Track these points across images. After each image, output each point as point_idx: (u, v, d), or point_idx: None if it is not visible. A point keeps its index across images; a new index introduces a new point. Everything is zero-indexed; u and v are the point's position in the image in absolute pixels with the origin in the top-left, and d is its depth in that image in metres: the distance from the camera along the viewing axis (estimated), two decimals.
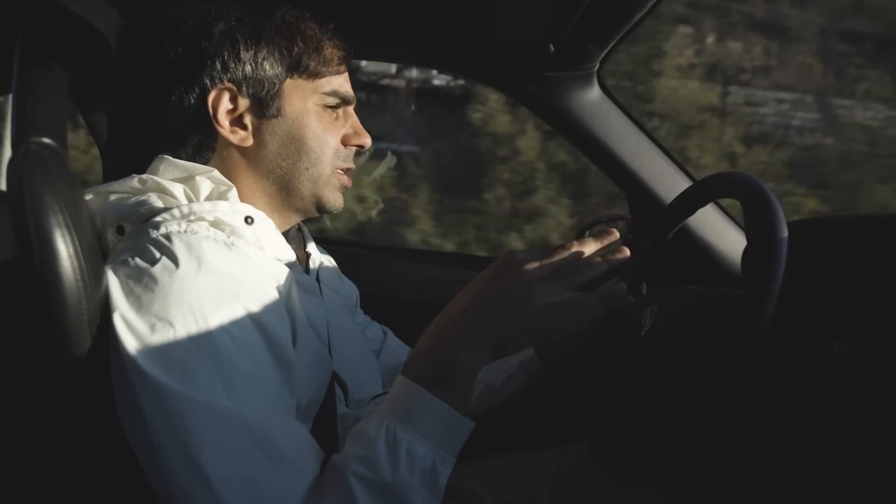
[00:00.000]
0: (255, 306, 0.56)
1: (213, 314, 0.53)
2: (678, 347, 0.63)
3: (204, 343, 0.52)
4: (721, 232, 1.07)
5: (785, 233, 0.54)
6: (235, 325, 0.54)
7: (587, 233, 1.31)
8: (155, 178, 0.63)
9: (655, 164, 1.06)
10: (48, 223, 0.50)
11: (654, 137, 1.06)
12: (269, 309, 0.58)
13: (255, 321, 0.55)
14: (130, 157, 0.69)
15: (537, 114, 1.06)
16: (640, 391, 0.67)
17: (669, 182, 1.06)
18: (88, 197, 0.63)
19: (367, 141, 0.73)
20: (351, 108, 0.73)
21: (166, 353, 0.51)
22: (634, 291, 0.90)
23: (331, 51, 0.68)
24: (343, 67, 0.70)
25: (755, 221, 0.57)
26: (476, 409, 0.90)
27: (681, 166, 1.08)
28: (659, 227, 0.85)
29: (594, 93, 1.02)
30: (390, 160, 2.26)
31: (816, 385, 0.55)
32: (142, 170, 0.66)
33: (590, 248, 0.59)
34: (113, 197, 0.63)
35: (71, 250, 0.51)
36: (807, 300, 0.63)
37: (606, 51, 0.94)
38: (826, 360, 0.53)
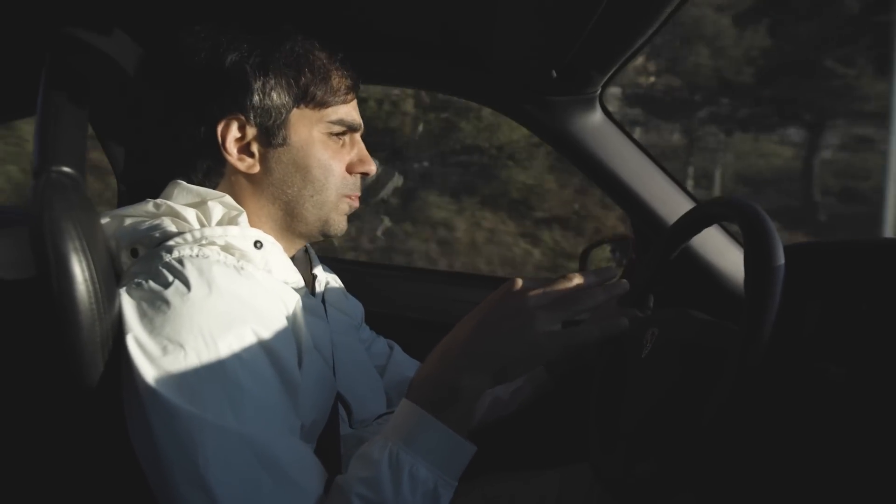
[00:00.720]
0: (263, 329, 0.58)
1: (222, 337, 0.55)
2: (674, 373, 0.64)
3: (213, 365, 0.53)
4: (725, 253, 1.07)
5: (781, 261, 0.54)
6: (243, 347, 0.55)
7: (594, 252, 1.32)
8: (168, 202, 0.65)
9: (658, 185, 1.07)
10: (65, 248, 0.52)
11: (655, 160, 1.08)
12: (276, 332, 0.59)
13: (262, 344, 0.57)
14: (145, 181, 0.71)
15: (540, 136, 1.07)
16: (638, 412, 0.67)
17: (672, 204, 1.07)
18: (105, 220, 0.66)
19: (372, 168, 0.75)
20: (358, 136, 0.75)
21: (177, 374, 0.52)
22: (641, 307, 0.91)
23: (338, 80, 0.70)
24: (350, 96, 0.72)
25: (752, 248, 0.58)
26: (485, 420, 0.91)
27: (683, 188, 1.09)
28: (661, 248, 0.86)
29: (596, 116, 1.04)
30: (397, 180, 2.28)
31: (813, 409, 0.55)
32: (156, 194, 0.68)
33: (589, 279, 0.60)
34: (128, 220, 0.65)
35: (86, 274, 0.53)
36: (804, 325, 0.63)
37: (609, 76, 0.96)
38: (822, 384, 0.54)
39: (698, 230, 0.80)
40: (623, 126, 1.07)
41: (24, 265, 0.56)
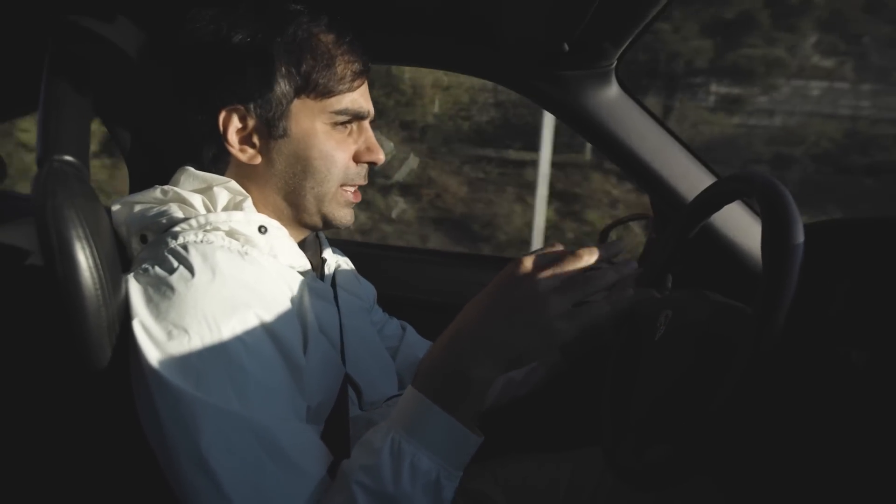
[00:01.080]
0: (267, 314, 0.58)
1: (225, 322, 0.55)
2: (687, 357, 0.62)
3: (217, 349, 0.54)
4: (748, 231, 1.03)
5: (800, 239, 0.52)
6: (247, 332, 0.56)
7: (612, 232, 1.29)
8: (176, 189, 0.65)
9: (677, 161, 1.03)
10: (69, 235, 0.53)
11: (675, 135, 1.04)
12: (279, 316, 0.60)
13: (265, 328, 0.57)
14: (154, 167, 0.72)
15: (554, 113, 1.04)
16: (650, 396, 0.66)
17: (692, 179, 1.03)
18: (116, 207, 0.67)
19: (379, 157, 0.72)
20: (366, 123, 0.72)
21: (182, 358, 0.53)
22: (659, 287, 0.89)
23: (344, 67, 0.67)
24: (357, 83, 0.69)
25: (770, 225, 0.55)
26: (498, 401, 0.91)
27: (704, 163, 1.05)
28: (680, 226, 0.83)
29: (612, 90, 1.00)
30: (413, 161, 2.26)
31: (833, 394, 0.53)
32: (165, 180, 0.68)
33: (598, 254, 0.58)
34: (137, 207, 0.66)
35: (90, 261, 0.54)
36: (830, 306, 0.60)
37: (623, 48, 0.92)
38: (844, 369, 0.51)
39: (717, 207, 0.77)
40: (641, 101, 1.03)
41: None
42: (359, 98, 0.70)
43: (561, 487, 0.83)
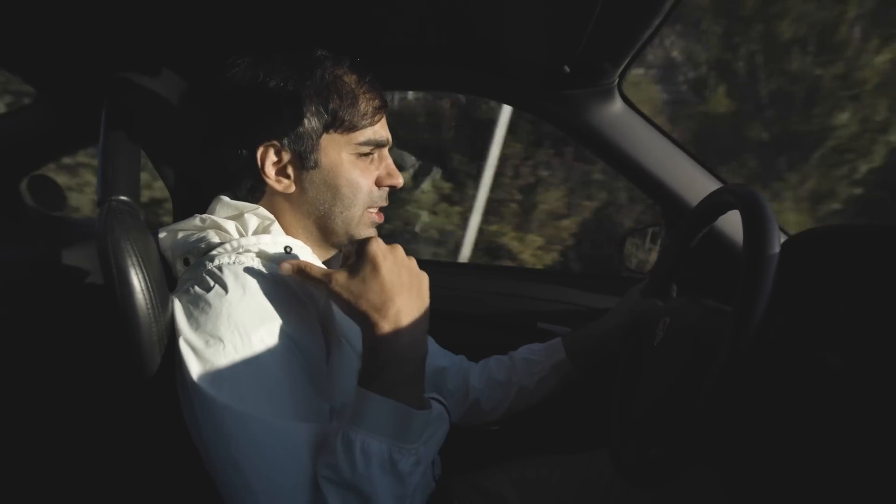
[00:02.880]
0: (291, 325, 0.65)
1: (254, 332, 0.63)
2: (682, 360, 0.66)
3: (247, 357, 0.61)
4: None
5: (776, 249, 0.55)
6: (273, 341, 0.63)
7: (627, 241, 1.32)
8: (212, 217, 0.74)
9: (683, 171, 1.06)
10: (125, 264, 0.62)
11: (681, 145, 1.07)
12: (303, 327, 0.67)
13: (290, 337, 0.65)
14: (195, 197, 0.81)
15: (560, 129, 1.09)
16: (649, 399, 0.70)
17: (699, 187, 1.06)
18: (162, 235, 0.76)
19: (399, 181, 0.80)
20: (385, 150, 0.80)
21: (216, 365, 0.61)
22: (663, 296, 0.92)
23: (366, 104, 0.75)
24: (378, 117, 0.77)
25: (748, 235, 0.59)
26: (513, 408, 0.95)
27: (710, 170, 1.07)
28: (680, 237, 0.87)
29: (616, 106, 1.04)
30: (436, 173, 2.33)
31: (810, 396, 0.56)
32: (204, 208, 0.77)
33: None
34: (180, 234, 0.74)
35: (143, 284, 0.63)
36: (803, 312, 0.63)
37: (624, 66, 0.96)
38: (819, 372, 0.54)
39: (713, 219, 0.80)
40: (644, 113, 1.07)
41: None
42: (379, 129, 0.78)
43: (573, 488, 0.87)
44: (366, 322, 0.62)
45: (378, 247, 0.63)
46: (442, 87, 1.10)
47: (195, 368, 0.60)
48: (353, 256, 0.64)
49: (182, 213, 0.85)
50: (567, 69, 0.94)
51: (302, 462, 0.59)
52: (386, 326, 0.61)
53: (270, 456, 0.58)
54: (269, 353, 0.62)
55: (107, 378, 0.75)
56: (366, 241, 0.63)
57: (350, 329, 0.77)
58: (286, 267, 0.66)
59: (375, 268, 0.62)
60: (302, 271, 0.65)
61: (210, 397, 0.59)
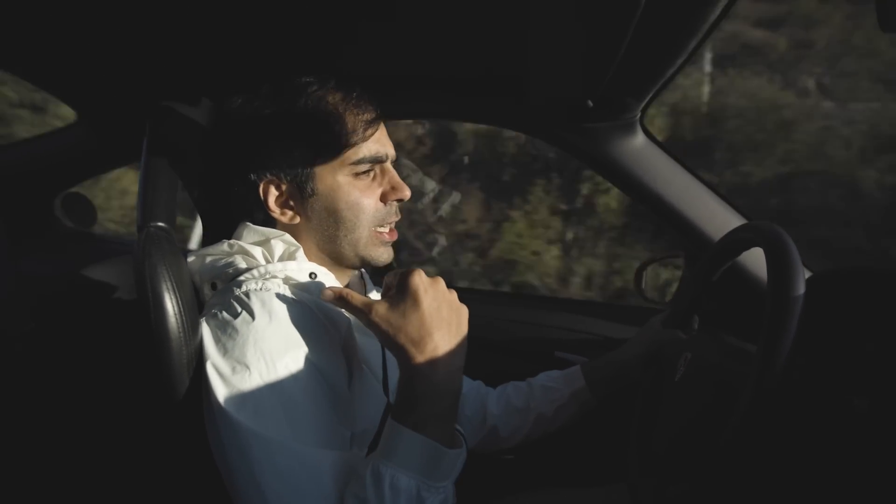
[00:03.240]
0: (315, 351, 0.67)
1: (280, 359, 0.64)
2: (704, 398, 0.65)
3: (272, 383, 0.63)
4: None
5: (801, 291, 0.55)
6: (298, 368, 0.64)
7: (646, 270, 1.32)
8: (240, 242, 0.76)
9: (704, 205, 1.06)
10: (160, 288, 0.65)
11: (702, 178, 1.07)
12: (327, 353, 0.68)
13: (314, 364, 0.66)
14: (223, 223, 0.83)
15: (582, 161, 1.10)
16: (670, 435, 0.69)
17: (720, 221, 1.06)
18: (191, 259, 0.78)
19: (406, 193, 0.78)
20: (387, 164, 0.79)
21: (242, 391, 0.62)
22: (685, 328, 0.92)
23: (353, 121, 0.74)
24: (370, 131, 0.75)
25: (773, 276, 0.59)
26: (530, 436, 0.95)
27: (732, 205, 1.08)
28: (702, 271, 0.87)
29: (638, 140, 1.05)
30: (455, 197, 2.35)
31: (836, 438, 0.55)
32: (231, 233, 0.79)
33: None
34: (208, 259, 0.76)
35: (176, 309, 0.65)
36: (828, 352, 0.63)
37: (646, 102, 0.97)
38: (846, 414, 0.54)
39: (735, 254, 0.80)
40: (666, 147, 1.08)
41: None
42: (374, 145, 0.76)
43: None
44: (403, 355, 0.62)
45: (420, 280, 0.62)
46: (465, 116, 1.13)
47: (222, 393, 0.62)
48: (395, 288, 0.64)
49: (212, 236, 0.88)
50: (590, 103, 0.95)
51: (324, 489, 0.59)
52: (423, 360, 0.60)
53: (293, 482, 0.59)
54: (293, 380, 0.63)
55: (133, 395, 0.77)
56: (408, 273, 0.63)
57: (372, 356, 0.78)
58: (328, 294, 0.66)
59: (416, 301, 0.62)
60: (343, 299, 0.66)
61: (236, 422, 0.60)
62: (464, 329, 0.64)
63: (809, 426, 0.57)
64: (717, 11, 0.68)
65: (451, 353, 0.62)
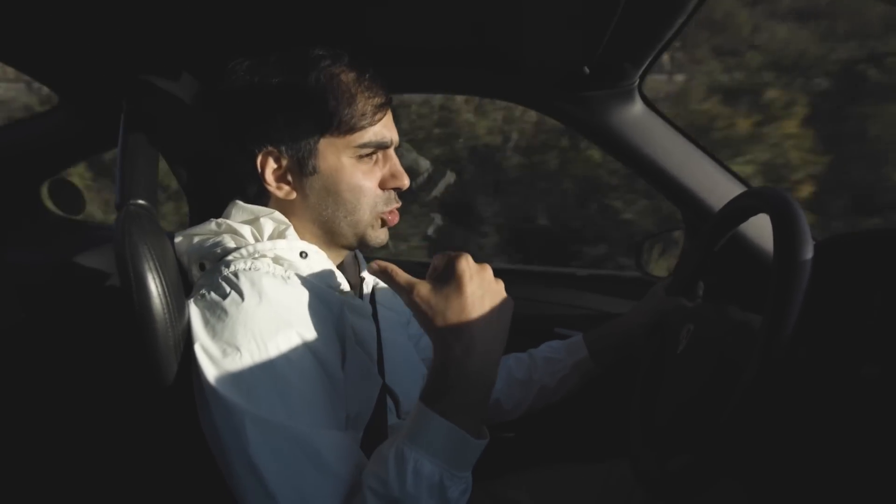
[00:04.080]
0: (307, 331, 0.65)
1: (271, 340, 0.62)
2: (706, 371, 0.64)
3: (264, 364, 0.61)
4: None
5: (808, 255, 0.53)
6: (290, 348, 0.62)
7: (646, 245, 1.30)
8: (228, 221, 0.73)
9: (706, 174, 1.04)
10: (142, 268, 0.62)
11: (703, 147, 1.05)
12: (319, 333, 0.66)
13: (306, 345, 0.64)
14: (210, 201, 0.81)
15: (580, 132, 1.07)
16: (671, 408, 0.68)
17: (722, 191, 1.04)
18: (178, 239, 0.75)
19: (405, 182, 0.77)
20: (391, 151, 0.77)
21: (234, 373, 0.60)
22: (690, 296, 0.90)
23: (364, 103, 0.72)
24: (379, 116, 0.73)
25: (780, 241, 0.57)
26: (534, 407, 0.94)
27: (734, 174, 1.05)
28: (705, 239, 0.85)
29: (637, 108, 1.02)
30: (450, 177, 2.33)
31: (846, 408, 0.54)
32: (220, 212, 0.77)
33: None
34: (196, 239, 0.74)
35: (160, 289, 0.62)
36: (834, 320, 0.61)
37: (644, 67, 0.94)
38: (855, 383, 0.52)
39: (739, 221, 0.78)
40: (666, 116, 1.05)
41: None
42: (381, 129, 0.74)
43: (592, 497, 0.85)
44: (440, 340, 0.60)
45: (466, 265, 0.60)
46: (459, 89, 1.09)
47: (213, 376, 0.60)
48: (440, 269, 0.62)
49: (198, 216, 0.85)
50: (587, 70, 0.92)
51: (323, 468, 0.58)
52: (459, 349, 0.58)
53: (290, 461, 0.57)
54: (286, 361, 0.61)
55: (123, 382, 0.75)
56: (455, 258, 0.61)
57: (366, 336, 0.77)
58: (374, 267, 0.64)
59: (460, 287, 0.59)
60: (387, 274, 0.63)
61: (230, 404, 0.58)
62: (506, 322, 0.62)
63: (818, 398, 0.56)
64: None
65: (489, 345, 0.59)
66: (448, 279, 0.60)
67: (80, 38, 0.83)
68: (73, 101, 1.08)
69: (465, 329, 0.59)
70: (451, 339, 0.59)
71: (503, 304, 0.62)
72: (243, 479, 0.57)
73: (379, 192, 0.76)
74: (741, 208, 0.75)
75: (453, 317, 0.59)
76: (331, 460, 0.59)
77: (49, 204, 1.33)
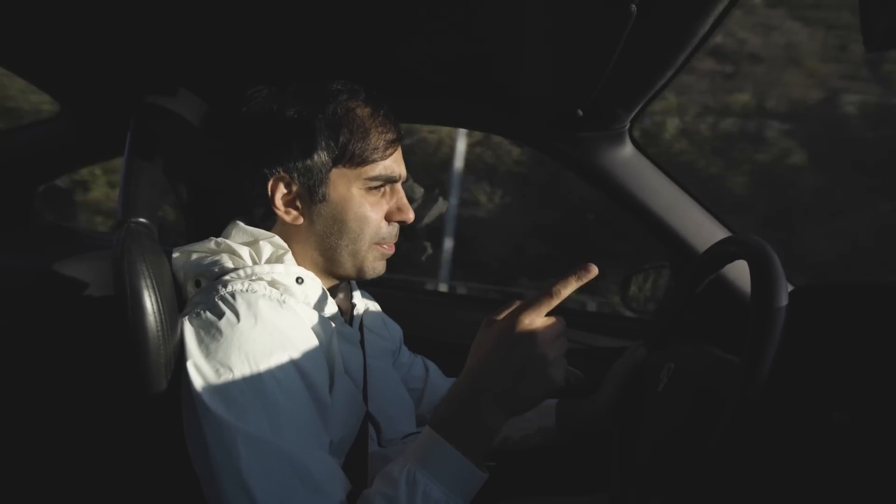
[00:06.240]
0: (299, 356, 0.66)
1: (264, 362, 0.63)
2: (686, 407, 0.66)
3: (256, 386, 0.62)
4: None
5: (783, 302, 0.56)
6: (282, 372, 0.63)
7: (633, 279, 1.33)
8: (227, 241, 0.75)
9: (691, 216, 1.08)
10: (139, 285, 0.63)
11: (689, 191, 1.09)
12: (310, 358, 0.67)
13: (298, 369, 0.65)
14: (208, 219, 0.82)
15: (570, 169, 1.11)
16: (651, 445, 0.69)
17: (707, 234, 1.07)
18: (175, 255, 0.76)
19: (409, 216, 0.79)
20: (398, 185, 0.80)
21: (226, 393, 0.61)
22: (663, 343, 0.91)
23: (377, 137, 0.75)
24: (390, 151, 0.77)
25: (757, 287, 0.60)
26: (494, 451, 0.93)
27: (718, 217, 1.09)
28: (685, 284, 0.88)
29: (626, 150, 1.06)
30: (442, 205, 2.36)
31: (817, 452, 0.56)
32: (219, 231, 0.78)
33: (572, 287, 0.61)
34: (194, 256, 0.75)
35: (155, 307, 0.63)
36: (808, 366, 0.63)
37: (635, 112, 0.99)
38: (826, 428, 0.54)
39: (719, 267, 0.81)
40: (654, 158, 1.09)
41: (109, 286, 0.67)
42: (391, 164, 0.77)
43: None
44: (465, 373, 0.63)
45: (521, 321, 0.60)
46: (456, 122, 1.13)
47: (205, 394, 0.60)
48: (507, 311, 0.62)
49: (196, 232, 0.86)
50: (580, 112, 0.96)
51: (313, 487, 0.59)
52: (473, 391, 0.61)
53: (281, 480, 0.58)
54: (277, 383, 0.62)
55: (109, 393, 0.75)
56: (520, 308, 0.61)
57: (353, 363, 0.78)
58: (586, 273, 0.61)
59: (503, 338, 0.60)
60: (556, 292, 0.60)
61: (221, 422, 0.59)
62: (537, 391, 0.60)
63: (790, 439, 0.58)
64: (708, 25, 0.69)
65: (504, 404, 0.61)
66: (501, 324, 0.62)
67: (91, 53, 0.85)
68: (74, 110, 1.10)
69: (486, 380, 0.61)
70: (473, 381, 0.61)
71: (542, 372, 0.60)
72: (232, 496, 0.58)
73: (384, 223, 0.78)
74: (722, 254, 0.78)
75: (483, 360, 0.61)
76: (321, 479, 0.59)
77: (42, 209, 1.33)
